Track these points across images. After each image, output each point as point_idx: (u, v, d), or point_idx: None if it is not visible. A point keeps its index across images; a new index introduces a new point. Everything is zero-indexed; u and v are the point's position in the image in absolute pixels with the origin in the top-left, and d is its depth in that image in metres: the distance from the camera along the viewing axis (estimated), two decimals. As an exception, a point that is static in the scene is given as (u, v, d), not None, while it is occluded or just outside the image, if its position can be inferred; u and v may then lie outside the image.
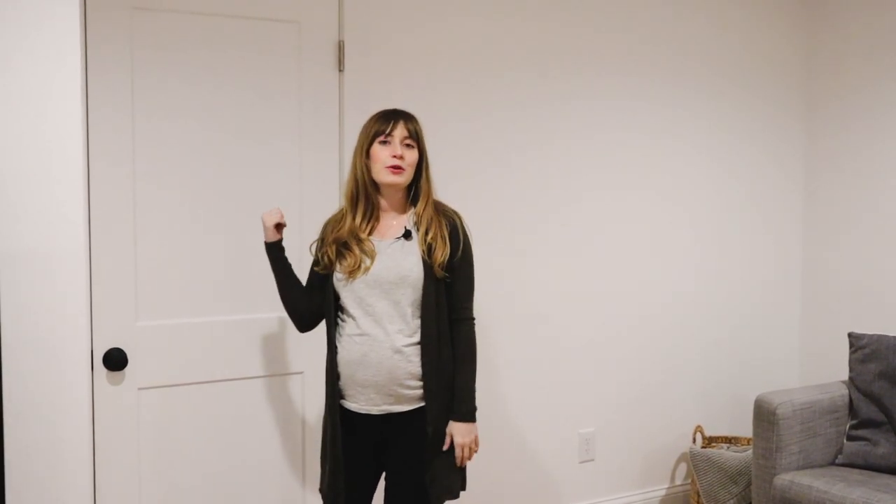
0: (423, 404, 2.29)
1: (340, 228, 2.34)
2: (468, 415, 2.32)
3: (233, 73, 2.72)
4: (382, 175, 2.29)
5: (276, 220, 2.40)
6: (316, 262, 2.39)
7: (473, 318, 2.38)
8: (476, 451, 2.34)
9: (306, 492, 2.90)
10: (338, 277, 2.30)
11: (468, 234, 2.37)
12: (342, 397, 2.32)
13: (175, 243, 2.67)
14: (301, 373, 2.86)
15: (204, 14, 2.67)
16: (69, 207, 2.20)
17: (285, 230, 2.46)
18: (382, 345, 2.25)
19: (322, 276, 2.37)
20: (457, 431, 2.30)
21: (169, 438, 2.70)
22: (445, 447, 2.30)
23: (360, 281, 2.27)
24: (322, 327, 2.42)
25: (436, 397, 2.28)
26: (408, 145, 2.29)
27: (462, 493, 2.38)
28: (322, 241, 2.39)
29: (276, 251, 2.42)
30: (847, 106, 3.75)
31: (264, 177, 2.79)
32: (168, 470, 2.70)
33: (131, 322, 2.61)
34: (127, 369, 2.60)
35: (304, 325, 2.47)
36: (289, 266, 2.44)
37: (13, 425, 2.17)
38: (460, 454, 2.30)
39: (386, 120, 2.30)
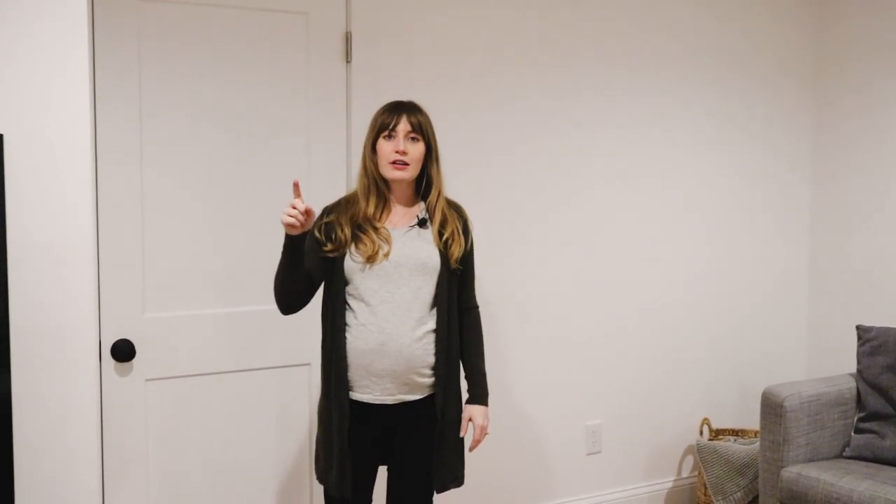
0: (433, 392, 2.31)
1: (354, 209, 2.31)
2: (484, 398, 2.40)
3: (240, 64, 2.72)
4: (387, 170, 2.28)
5: (298, 211, 2.15)
6: (323, 244, 2.28)
7: (478, 306, 2.46)
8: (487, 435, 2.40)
9: (313, 482, 2.90)
10: (354, 261, 2.25)
11: (472, 226, 2.44)
12: (349, 388, 2.29)
13: (182, 235, 2.68)
14: (308, 364, 2.87)
15: (212, 5, 2.66)
16: (77, 200, 2.21)
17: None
18: (401, 333, 2.24)
19: (326, 260, 2.28)
20: (476, 414, 2.37)
21: (176, 429, 2.71)
22: (463, 432, 2.35)
23: (380, 267, 2.24)
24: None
25: (445, 384, 2.31)
26: (412, 139, 2.28)
27: (467, 483, 2.41)
28: (330, 222, 2.30)
29: (296, 243, 2.21)
30: (856, 100, 3.73)
31: (271, 168, 2.79)
32: (175, 461, 2.71)
33: (139, 314, 2.62)
34: (135, 361, 2.61)
35: (293, 309, 2.34)
36: (302, 258, 2.27)
37: (22, 416, 2.18)
38: (478, 436, 2.37)
39: (390, 114, 2.29)
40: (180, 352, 2.69)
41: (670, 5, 3.51)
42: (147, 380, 2.64)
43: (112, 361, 2.58)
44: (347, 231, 2.27)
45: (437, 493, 2.34)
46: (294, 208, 2.13)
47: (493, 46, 3.15)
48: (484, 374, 2.41)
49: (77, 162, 2.20)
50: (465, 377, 2.40)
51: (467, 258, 2.38)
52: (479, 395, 2.39)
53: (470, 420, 2.37)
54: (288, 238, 2.20)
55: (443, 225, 2.32)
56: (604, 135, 3.40)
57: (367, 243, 2.25)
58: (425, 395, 2.31)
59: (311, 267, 2.30)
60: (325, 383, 2.33)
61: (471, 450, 2.38)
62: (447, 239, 2.31)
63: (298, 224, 2.14)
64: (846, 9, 3.77)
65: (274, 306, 2.77)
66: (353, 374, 2.28)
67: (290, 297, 2.32)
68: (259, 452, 2.83)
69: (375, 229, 2.28)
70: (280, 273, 2.28)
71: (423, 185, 2.36)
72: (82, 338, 2.24)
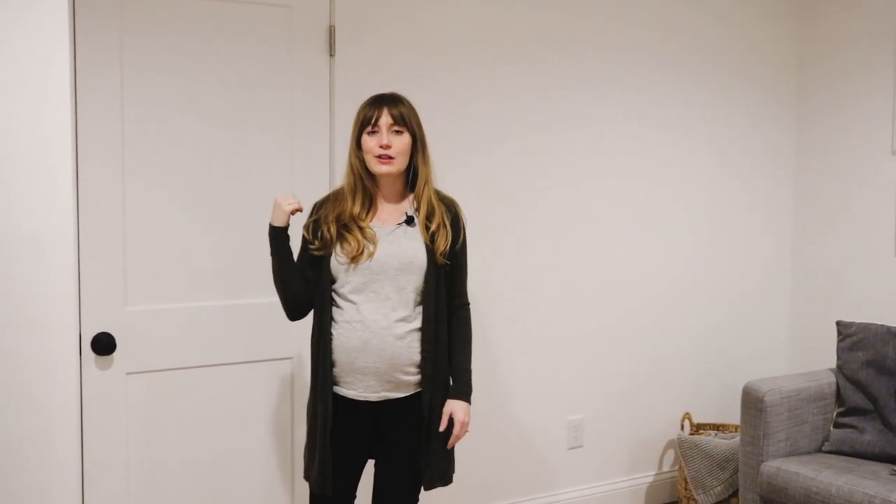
0: (419, 390, 2.30)
1: (341, 207, 2.30)
2: (467, 395, 2.35)
3: (223, 57, 2.71)
4: (373, 165, 2.27)
5: (293, 206, 2.27)
6: (311, 242, 2.31)
7: (469, 303, 2.42)
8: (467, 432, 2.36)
9: (294, 477, 2.90)
10: (339, 262, 2.25)
11: (465, 221, 2.40)
12: (335, 384, 2.30)
13: (164, 228, 2.66)
14: (290, 358, 2.86)
15: (193, -3, 2.65)
16: (58, 193, 2.19)
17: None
18: (384, 331, 2.23)
19: (316, 258, 2.30)
20: (457, 409, 2.32)
21: (157, 423, 2.69)
22: (443, 427, 2.30)
23: (365, 266, 2.24)
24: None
25: (432, 382, 2.29)
26: (396, 132, 2.26)
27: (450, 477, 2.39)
28: (318, 220, 2.32)
29: (283, 235, 2.30)
30: (838, 96, 3.76)
31: (254, 161, 2.78)
32: (156, 455, 2.70)
33: (120, 307, 2.60)
34: (115, 354, 2.60)
35: (298, 313, 2.39)
36: (291, 252, 2.34)
37: (1, 410, 2.16)
38: (458, 432, 2.31)
39: (371, 108, 2.27)
40: (162, 345, 2.67)
41: (654, 1, 3.52)
42: (128, 373, 2.63)
43: (92, 355, 2.57)
44: (333, 230, 2.27)
45: (426, 490, 2.33)
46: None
47: (479, 42, 3.14)
48: (469, 371, 2.36)
49: (58, 154, 2.18)
50: (451, 373, 2.37)
51: (458, 254, 2.35)
52: (462, 391, 2.34)
53: (451, 416, 2.32)
54: (272, 229, 2.29)
55: (429, 217, 2.30)
56: (586, 132, 3.40)
57: (352, 242, 2.25)
58: (411, 392, 2.30)
59: (304, 267, 2.34)
60: (312, 379, 2.34)
61: (448, 446, 2.33)
62: (433, 232, 2.28)
63: (291, 207, 2.27)
64: (827, 4, 3.79)
65: (256, 300, 2.78)
66: (340, 370, 2.28)
67: (292, 297, 2.35)
68: (240, 446, 2.82)
69: (361, 229, 2.27)
70: (276, 275, 2.33)
71: (411, 176, 2.35)
72: (62, 331, 2.23)
